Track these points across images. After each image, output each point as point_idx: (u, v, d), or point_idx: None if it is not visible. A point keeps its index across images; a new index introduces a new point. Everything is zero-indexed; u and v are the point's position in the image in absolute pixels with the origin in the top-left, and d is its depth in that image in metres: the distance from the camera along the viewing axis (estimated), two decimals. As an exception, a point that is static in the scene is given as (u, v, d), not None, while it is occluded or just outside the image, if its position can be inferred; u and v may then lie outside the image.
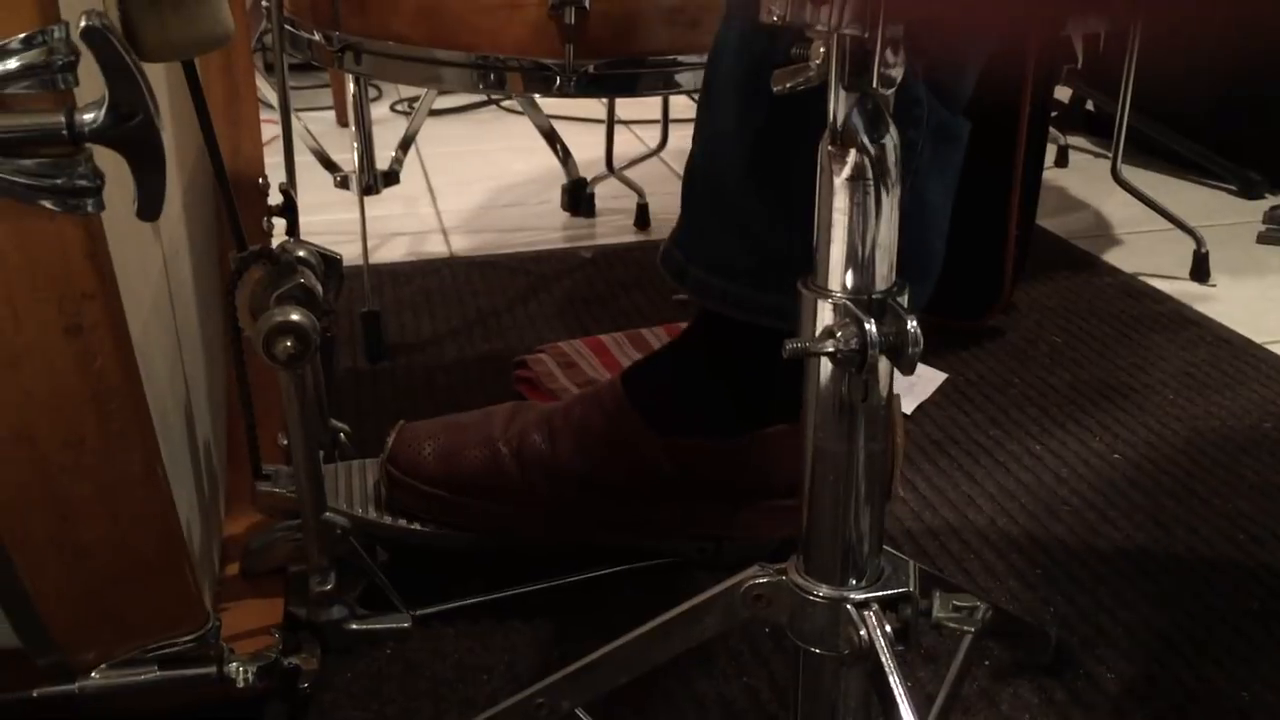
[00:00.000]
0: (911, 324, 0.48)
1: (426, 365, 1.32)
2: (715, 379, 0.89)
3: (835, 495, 0.52)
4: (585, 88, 1.09)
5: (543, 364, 1.25)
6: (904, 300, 0.49)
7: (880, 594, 0.53)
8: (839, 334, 0.47)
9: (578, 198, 1.84)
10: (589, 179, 1.82)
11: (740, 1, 0.82)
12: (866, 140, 0.48)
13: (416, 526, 0.90)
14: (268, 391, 0.89)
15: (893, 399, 0.54)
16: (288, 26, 1.19)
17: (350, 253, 1.67)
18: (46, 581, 0.48)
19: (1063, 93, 2.22)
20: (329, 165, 1.57)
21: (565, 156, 1.84)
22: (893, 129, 0.49)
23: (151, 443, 0.48)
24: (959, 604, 0.55)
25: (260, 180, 1.17)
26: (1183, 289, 1.52)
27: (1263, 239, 1.69)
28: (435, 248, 1.74)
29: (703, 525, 0.91)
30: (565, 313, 1.46)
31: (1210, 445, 1.13)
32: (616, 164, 1.85)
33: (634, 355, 1.29)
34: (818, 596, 0.53)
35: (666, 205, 1.82)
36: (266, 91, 1.48)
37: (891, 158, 0.49)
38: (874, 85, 0.47)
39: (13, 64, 0.38)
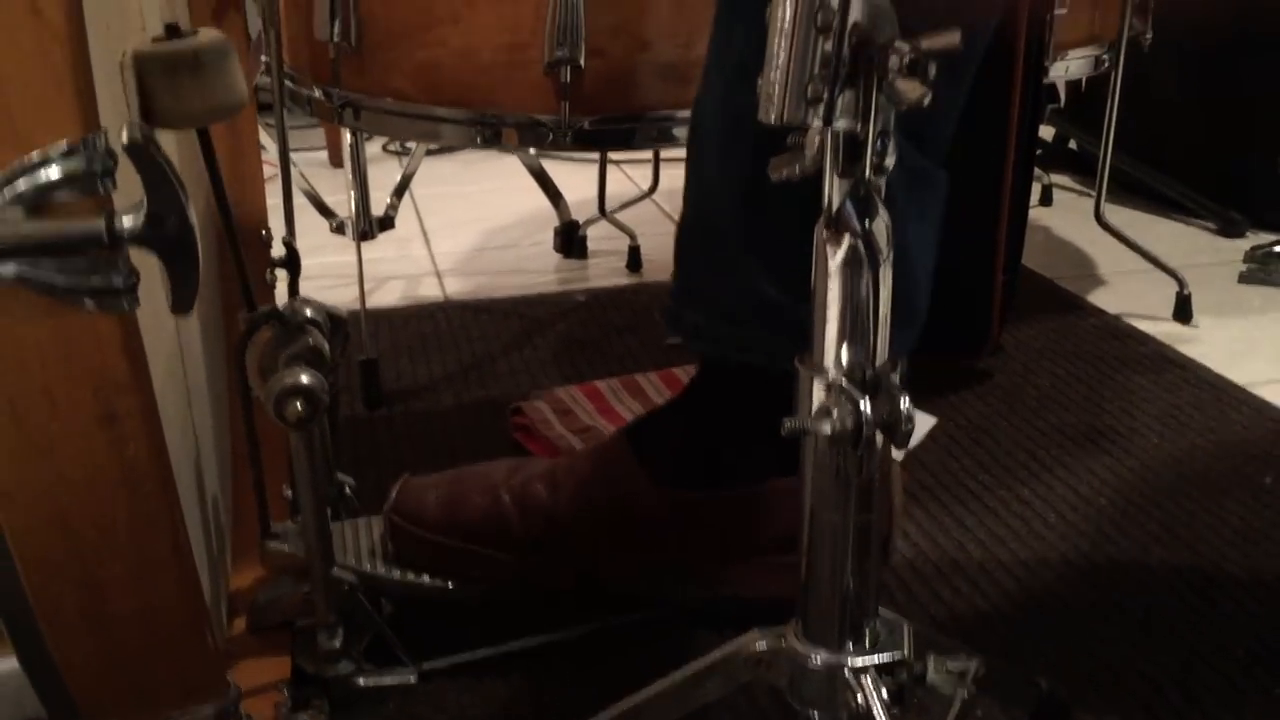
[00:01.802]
0: (904, 402, 0.50)
1: (424, 412, 1.34)
2: (715, 433, 0.91)
3: (832, 563, 0.54)
4: (580, 142, 1.12)
5: (539, 411, 1.27)
6: (897, 377, 0.52)
7: (876, 659, 0.55)
8: (835, 412, 0.50)
9: (570, 240, 1.86)
10: (581, 221, 1.85)
11: (717, 66, 0.85)
12: (859, 225, 0.50)
13: (425, 579, 0.92)
14: (271, 443, 0.91)
15: (890, 465, 0.56)
16: (288, 82, 1.21)
17: (346, 297, 1.70)
18: (75, 654, 0.50)
19: (1046, 132, 2.26)
20: (324, 211, 1.59)
21: (557, 199, 1.87)
22: (884, 213, 0.51)
23: (180, 524, 0.50)
24: (951, 667, 0.57)
25: (263, 232, 1.20)
26: (1166, 330, 1.55)
27: (1244, 278, 1.72)
28: (430, 291, 1.76)
29: (697, 579, 0.93)
30: (560, 357, 1.48)
31: (1194, 489, 1.15)
32: (609, 205, 1.88)
33: (629, 401, 1.31)
34: (816, 663, 0.55)
35: (658, 247, 1.85)
36: (262, 133, 1.50)
37: (883, 240, 0.51)
38: (867, 173, 0.50)
39: (55, 172, 0.41)
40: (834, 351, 0.52)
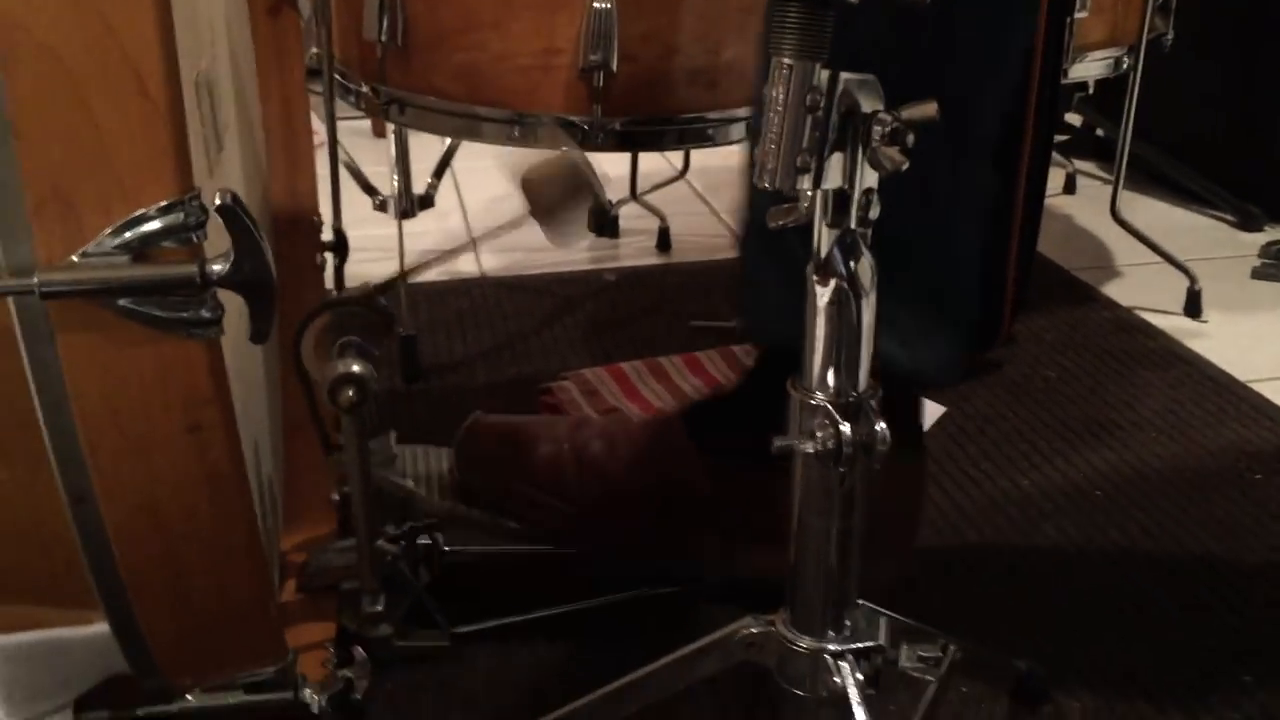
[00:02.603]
0: (880, 426, 0.57)
1: (459, 387, 1.42)
2: (763, 416, 0.99)
3: (817, 562, 0.62)
4: (612, 143, 1.18)
5: (567, 391, 1.34)
6: (875, 403, 0.59)
7: (854, 646, 0.62)
8: (819, 434, 0.57)
9: (602, 219, 1.92)
10: (614, 200, 1.91)
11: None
12: (845, 270, 0.57)
13: (475, 512, 1.00)
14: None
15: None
16: (337, 77, 1.28)
17: (388, 270, 1.77)
18: (159, 623, 0.58)
19: (1073, 118, 2.29)
20: (367, 189, 1.67)
21: (591, 178, 1.93)
22: (867, 257, 0.58)
23: (251, 516, 0.58)
24: (924, 654, 0.64)
25: (315, 218, 1.28)
26: (1175, 324, 1.60)
27: (1257, 274, 1.76)
28: (467, 266, 1.83)
29: (725, 555, 1.01)
30: (589, 337, 1.55)
31: (1186, 485, 1.21)
32: (641, 184, 1.94)
33: (653, 384, 1.38)
34: (800, 647, 0.63)
35: (688, 227, 1.91)
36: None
37: (866, 282, 0.58)
38: (853, 225, 0.56)
39: (156, 225, 0.48)
40: (820, 378, 0.59)
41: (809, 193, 0.55)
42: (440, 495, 1.02)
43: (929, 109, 0.54)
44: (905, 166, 0.53)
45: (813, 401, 0.58)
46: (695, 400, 1.05)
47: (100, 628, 0.60)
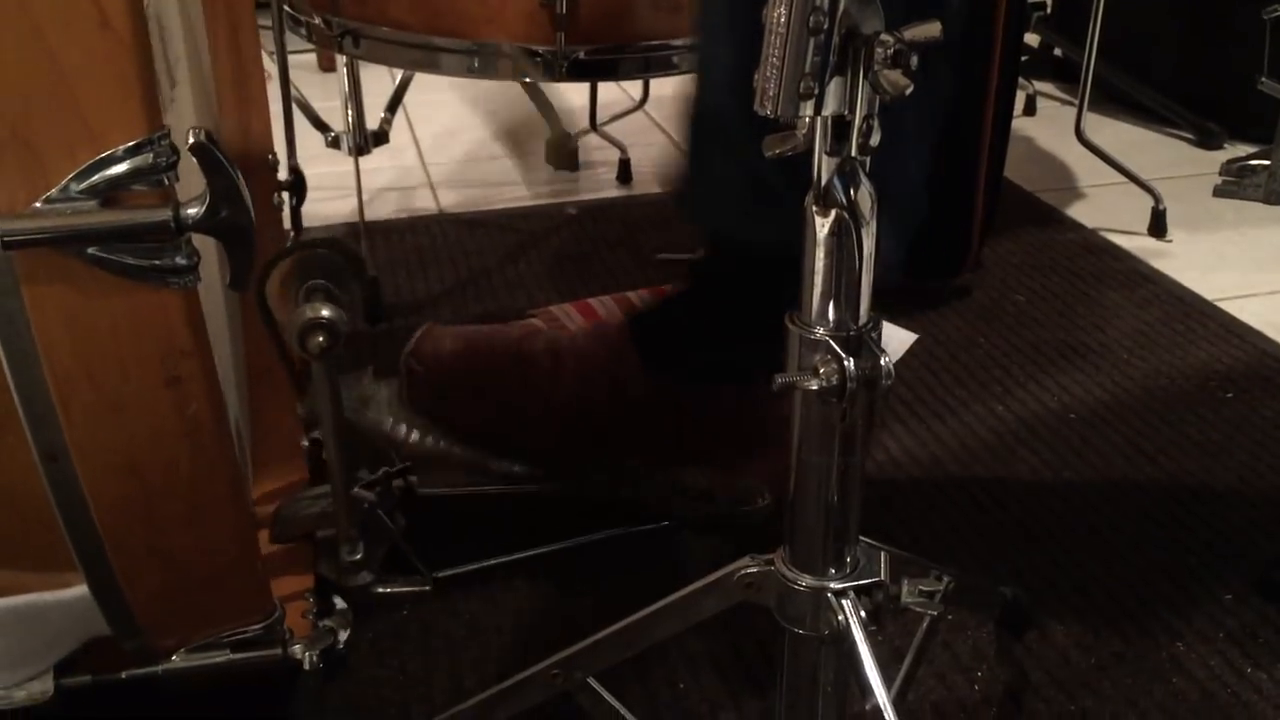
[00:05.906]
0: (885, 360, 0.56)
1: (425, 328, 1.39)
2: (707, 327, 0.97)
3: (817, 500, 0.60)
4: (576, 73, 1.15)
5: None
6: (877, 336, 0.57)
7: (855, 583, 0.61)
8: (822, 370, 0.55)
9: (561, 152, 1.89)
10: (572, 132, 1.88)
11: None
12: (845, 200, 0.55)
13: (456, 449, 1.00)
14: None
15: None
16: (286, 8, 1.23)
17: (343, 209, 1.73)
18: (140, 582, 0.56)
19: (1031, 39, 2.28)
20: (319, 125, 1.62)
21: (547, 110, 1.89)
22: (867, 185, 0.56)
23: (235, 468, 0.55)
24: (924, 589, 0.63)
25: (270, 156, 1.23)
26: (1141, 244, 1.60)
27: (1219, 192, 1.77)
28: (424, 203, 1.79)
29: (668, 471, 1.00)
30: (553, 272, 1.53)
31: (1159, 404, 1.22)
32: (600, 115, 1.90)
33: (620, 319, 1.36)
34: (801, 585, 0.62)
35: (649, 158, 1.88)
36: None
37: (866, 211, 0.56)
38: (853, 153, 0.54)
39: (124, 167, 0.45)
40: (820, 312, 0.57)
41: (807, 120, 0.53)
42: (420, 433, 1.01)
43: (933, 29, 0.51)
44: (909, 91, 0.51)
45: (813, 336, 0.57)
46: (640, 310, 1.03)
47: (79, 590, 0.57)
